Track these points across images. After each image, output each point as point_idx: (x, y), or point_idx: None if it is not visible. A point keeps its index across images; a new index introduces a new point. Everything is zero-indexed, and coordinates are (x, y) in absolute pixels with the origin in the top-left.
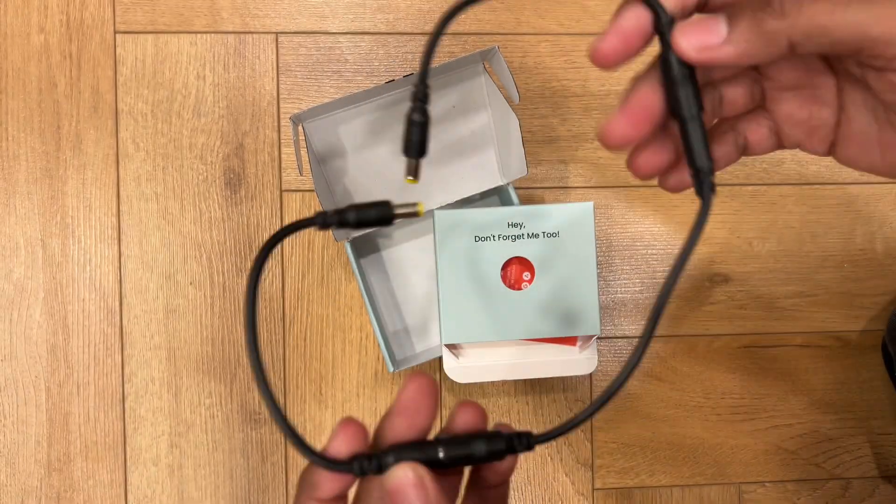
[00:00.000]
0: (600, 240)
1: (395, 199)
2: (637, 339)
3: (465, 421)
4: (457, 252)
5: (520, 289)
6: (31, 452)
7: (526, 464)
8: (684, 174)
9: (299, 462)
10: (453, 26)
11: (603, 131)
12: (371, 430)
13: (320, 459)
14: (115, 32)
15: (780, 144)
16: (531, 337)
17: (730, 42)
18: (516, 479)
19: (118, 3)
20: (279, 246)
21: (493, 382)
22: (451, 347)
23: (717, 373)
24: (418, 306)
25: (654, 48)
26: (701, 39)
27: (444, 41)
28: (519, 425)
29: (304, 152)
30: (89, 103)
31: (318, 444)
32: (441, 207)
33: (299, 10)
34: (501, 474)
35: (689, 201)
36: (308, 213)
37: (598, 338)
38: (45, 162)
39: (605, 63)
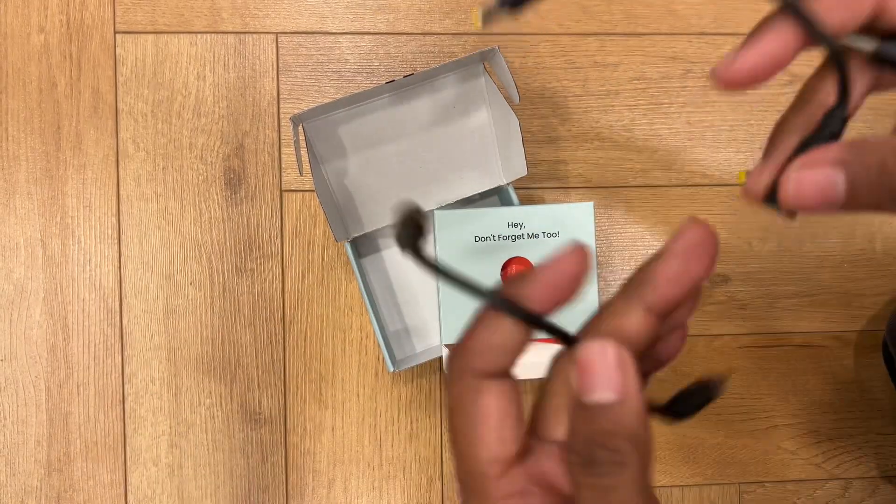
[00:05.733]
0: (600, 240)
1: (397, 199)
2: None
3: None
4: (457, 252)
5: None
6: (31, 452)
7: None
8: None
9: (299, 463)
10: (453, 26)
11: (724, 67)
12: None
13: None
14: (116, 32)
15: None
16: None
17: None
18: None
19: (118, 3)
20: (279, 246)
21: None
22: (451, 347)
23: (717, 372)
24: (418, 306)
25: None
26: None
27: (445, 41)
28: None
29: (304, 152)
30: (89, 103)
31: (318, 444)
32: (441, 207)
33: (299, 11)
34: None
35: (688, 201)
36: (308, 213)
37: None
38: (45, 162)
39: (733, 85)
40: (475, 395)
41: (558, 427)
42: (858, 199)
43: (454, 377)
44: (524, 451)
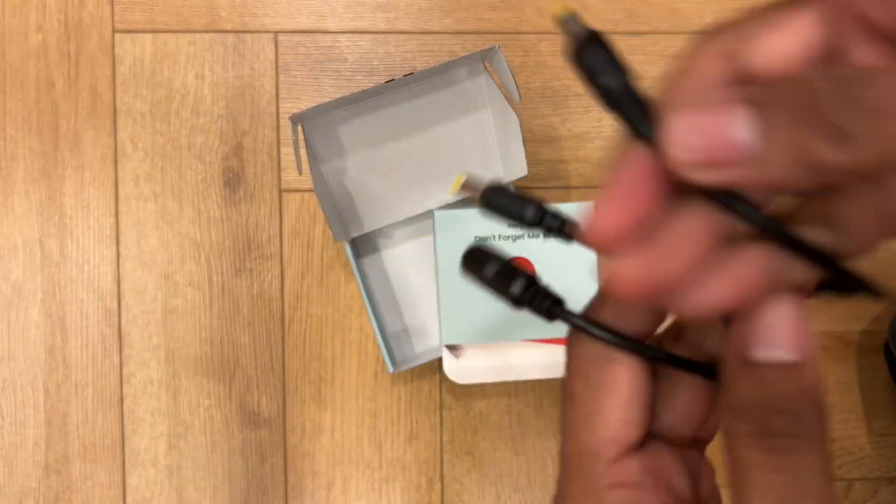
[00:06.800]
0: None
1: (396, 199)
2: None
3: None
4: (457, 252)
5: None
6: (29, 454)
7: (527, 465)
8: None
9: (298, 464)
10: (454, 25)
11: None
12: None
13: None
14: (114, 31)
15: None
16: (531, 338)
17: (759, 161)
18: (518, 482)
19: (117, 2)
20: (278, 246)
21: (493, 383)
22: (451, 348)
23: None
24: (418, 306)
25: None
26: (706, 144)
27: (445, 40)
28: (520, 426)
29: (303, 152)
30: (87, 103)
31: (317, 445)
32: (441, 207)
33: (298, 9)
34: None
35: None
36: (307, 213)
37: None
38: (43, 162)
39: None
40: (606, 363)
41: (669, 417)
42: (775, 161)
43: (583, 337)
44: (642, 443)
